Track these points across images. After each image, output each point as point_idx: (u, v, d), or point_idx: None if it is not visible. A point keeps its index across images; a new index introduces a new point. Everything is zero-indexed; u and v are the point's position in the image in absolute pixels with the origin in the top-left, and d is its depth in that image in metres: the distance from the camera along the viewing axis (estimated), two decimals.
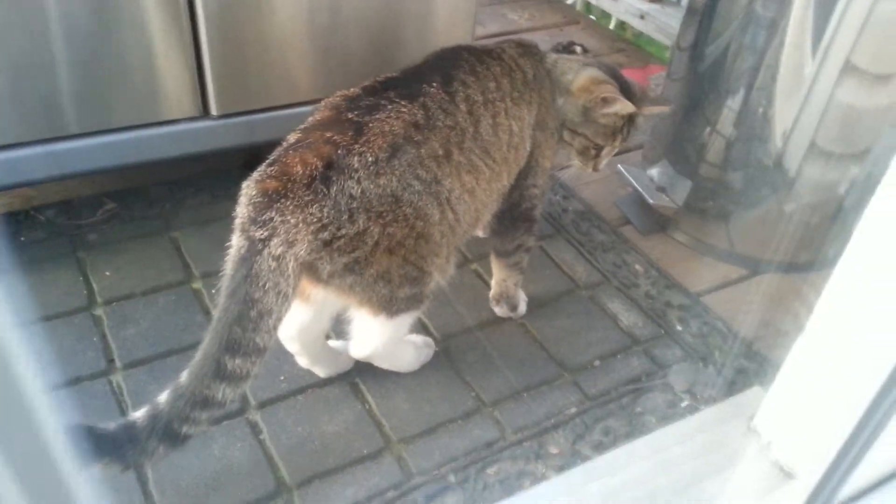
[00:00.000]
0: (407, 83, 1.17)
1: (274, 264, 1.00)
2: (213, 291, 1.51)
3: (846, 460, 0.62)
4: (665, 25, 2.46)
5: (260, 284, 1.00)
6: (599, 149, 1.42)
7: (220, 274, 1.52)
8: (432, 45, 1.71)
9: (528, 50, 1.37)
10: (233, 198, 1.77)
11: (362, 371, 1.37)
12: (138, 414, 1.01)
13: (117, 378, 1.33)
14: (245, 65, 1.55)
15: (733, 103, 1.70)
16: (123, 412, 1.27)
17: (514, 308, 1.49)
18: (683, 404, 1.36)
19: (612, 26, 2.77)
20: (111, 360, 1.36)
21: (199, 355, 1.03)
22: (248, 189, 1.05)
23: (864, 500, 0.94)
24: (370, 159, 1.04)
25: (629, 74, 2.42)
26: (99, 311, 1.45)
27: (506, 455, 1.25)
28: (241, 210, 1.05)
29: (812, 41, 1.54)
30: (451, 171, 1.14)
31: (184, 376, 1.02)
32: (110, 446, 0.97)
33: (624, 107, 1.35)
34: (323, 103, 1.15)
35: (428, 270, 1.16)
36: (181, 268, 1.57)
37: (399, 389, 1.35)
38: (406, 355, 1.36)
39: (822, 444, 1.10)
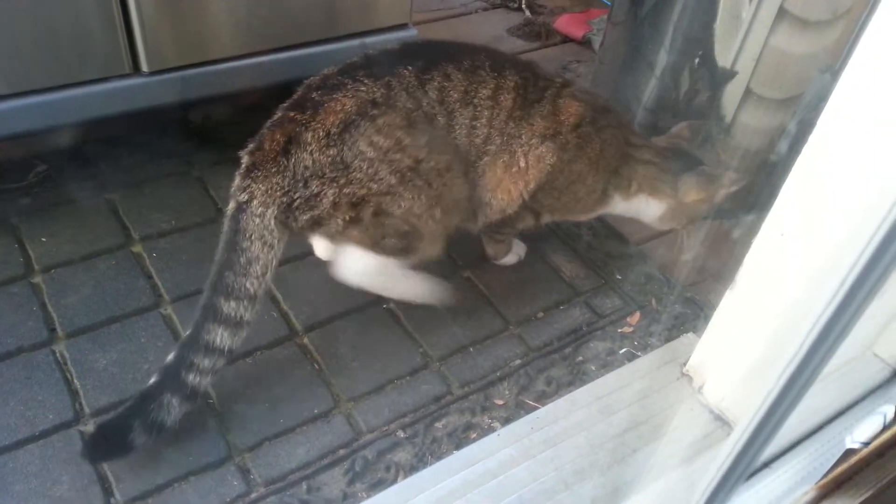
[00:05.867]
0: (387, 62, 1.24)
1: (258, 220, 1.17)
2: (154, 255, 1.50)
3: (777, 407, 0.67)
4: None
5: (247, 235, 1.17)
6: None
7: (160, 236, 1.51)
8: None
9: (596, 111, 1.35)
10: (170, 156, 1.74)
11: (310, 330, 1.39)
12: (150, 381, 1.16)
13: (60, 347, 1.32)
14: (175, 19, 1.49)
15: (673, 48, 1.72)
16: (68, 382, 1.26)
17: (500, 258, 1.58)
18: (622, 351, 1.41)
19: None
20: (53, 330, 1.34)
21: (198, 308, 1.17)
22: (242, 159, 1.22)
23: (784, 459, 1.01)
24: (321, 134, 1.18)
25: (570, 18, 2.42)
26: (37, 279, 1.42)
27: (453, 409, 1.29)
28: (235, 177, 1.21)
29: None
30: (420, 143, 1.20)
31: (187, 330, 1.17)
32: (130, 425, 1.12)
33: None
34: (307, 81, 1.27)
35: (416, 228, 1.25)
36: (119, 231, 1.54)
37: (348, 348, 1.37)
38: (406, 286, 1.40)
39: (748, 389, 1.16)
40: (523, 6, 2.54)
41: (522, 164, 1.31)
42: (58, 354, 1.30)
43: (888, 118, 0.85)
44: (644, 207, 1.44)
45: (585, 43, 2.35)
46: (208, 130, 1.82)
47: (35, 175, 1.63)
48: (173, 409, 1.13)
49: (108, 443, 1.14)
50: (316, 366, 1.34)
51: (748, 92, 1.65)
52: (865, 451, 0.90)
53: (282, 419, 1.24)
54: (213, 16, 1.53)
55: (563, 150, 1.32)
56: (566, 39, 2.39)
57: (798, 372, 0.63)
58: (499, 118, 1.28)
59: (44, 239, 1.50)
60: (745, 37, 1.61)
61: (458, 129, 1.26)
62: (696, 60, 1.67)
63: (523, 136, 1.30)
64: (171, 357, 1.15)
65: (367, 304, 1.46)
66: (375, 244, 1.26)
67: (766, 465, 0.98)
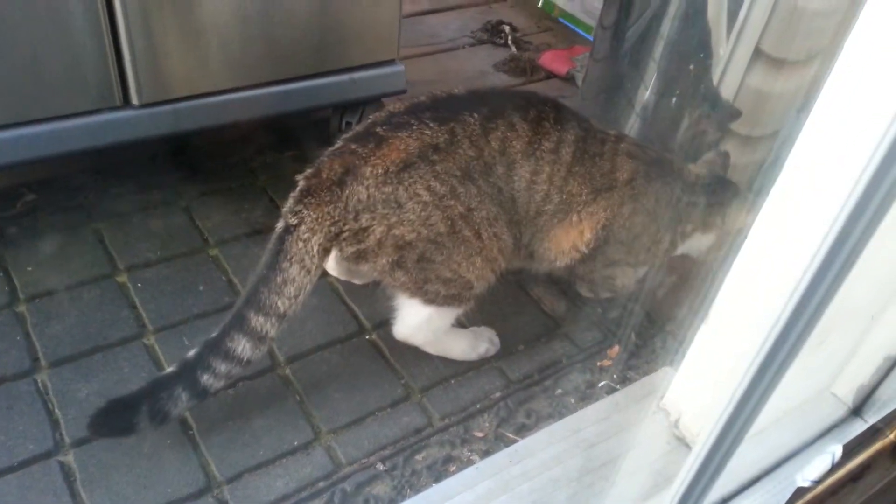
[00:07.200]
0: (453, 106, 1.27)
1: (301, 244, 1.20)
2: (139, 285, 1.51)
3: (726, 436, 0.69)
4: (592, 7, 2.49)
5: (288, 257, 1.20)
6: None
7: (145, 266, 1.53)
8: (358, 31, 1.73)
9: (648, 164, 1.39)
10: (158, 186, 1.77)
11: (292, 361, 1.40)
12: (168, 370, 1.20)
13: (42, 377, 1.32)
14: (166, 52, 1.52)
15: (652, 85, 1.76)
16: (49, 412, 1.26)
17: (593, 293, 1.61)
18: (601, 385, 1.43)
19: (539, 5, 2.79)
20: (36, 359, 1.35)
21: (229, 314, 1.21)
22: (298, 182, 1.26)
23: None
24: (380, 171, 1.20)
25: (554, 55, 2.47)
26: (21, 308, 1.43)
27: (433, 441, 1.30)
28: (289, 199, 1.25)
29: (726, 25, 1.60)
30: (473, 192, 1.23)
31: (213, 332, 1.20)
32: (139, 407, 1.15)
33: None
34: (372, 115, 1.31)
35: (461, 276, 1.27)
36: (105, 260, 1.55)
37: (329, 380, 1.38)
38: (459, 344, 1.44)
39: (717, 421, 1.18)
40: (509, 42, 2.59)
41: (576, 219, 1.34)
42: (40, 384, 1.31)
43: (854, 156, 0.89)
44: (696, 244, 1.50)
45: (569, 79, 2.40)
46: (196, 162, 1.85)
47: (23, 204, 1.65)
48: (181, 402, 1.16)
49: (114, 419, 1.16)
50: (297, 397, 1.35)
51: (727, 129, 1.69)
52: (819, 488, 0.91)
53: (262, 451, 1.25)
54: (204, 50, 1.56)
55: (619, 205, 1.36)
56: (550, 75, 2.44)
57: (744, 399, 0.65)
58: (559, 174, 1.30)
59: (29, 268, 1.51)
60: (723, 75, 1.65)
61: (518, 182, 1.28)
62: (674, 100, 1.71)
63: (581, 192, 1.33)
64: (192, 353, 1.19)
65: (350, 336, 1.47)
66: (419, 288, 1.28)
67: (725, 501, 0.99)
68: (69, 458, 1.21)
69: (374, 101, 1.88)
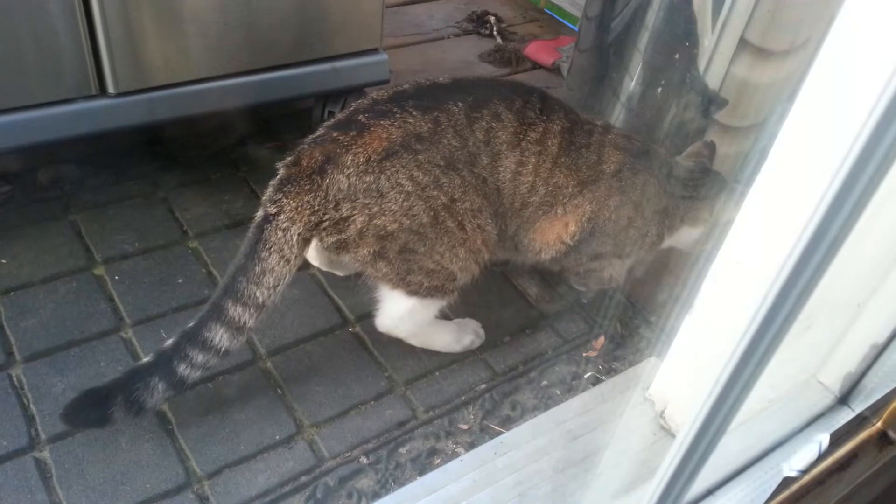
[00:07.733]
0: (437, 95, 1.25)
1: (280, 234, 1.18)
2: (116, 278, 1.48)
3: (711, 423, 0.68)
4: None
5: (267, 247, 1.18)
6: None
7: (123, 259, 1.50)
8: (341, 19, 1.70)
9: (635, 155, 1.37)
10: (136, 177, 1.73)
11: (274, 354, 1.38)
12: (144, 360, 1.18)
13: (17, 371, 1.29)
14: (143, 40, 1.49)
15: (637, 76, 1.75)
16: (24, 407, 1.23)
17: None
18: (586, 376, 1.42)
19: None
20: (10, 353, 1.32)
21: (207, 304, 1.19)
22: (278, 170, 1.23)
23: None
24: (362, 159, 1.17)
25: (540, 45, 2.45)
26: None
27: (417, 434, 1.29)
28: (269, 188, 1.23)
29: (711, 15, 1.59)
30: (457, 182, 1.21)
31: (191, 322, 1.18)
32: (114, 397, 1.13)
33: None
34: (355, 103, 1.27)
35: (445, 267, 1.25)
36: (82, 253, 1.52)
37: (311, 373, 1.36)
38: (443, 336, 1.42)
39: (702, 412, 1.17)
40: (495, 33, 2.57)
41: (561, 211, 1.32)
42: (14, 379, 1.28)
43: (837, 145, 0.88)
44: (684, 237, 1.49)
45: (555, 70, 2.38)
46: (174, 152, 1.82)
47: None
48: (157, 393, 1.14)
49: (88, 409, 1.14)
50: (279, 390, 1.32)
51: (712, 120, 1.68)
52: (806, 478, 0.91)
53: (242, 445, 1.23)
54: (182, 38, 1.53)
55: (606, 198, 1.34)
56: (536, 66, 2.43)
57: (728, 387, 0.64)
58: (544, 165, 1.28)
59: (4, 260, 1.48)
60: (708, 65, 1.64)
61: (503, 172, 1.26)
62: (659, 90, 1.70)
63: (567, 184, 1.31)
64: (168, 343, 1.17)
65: (333, 328, 1.45)
66: (402, 280, 1.26)
67: (710, 492, 0.98)
68: (45, 454, 1.18)
69: (357, 91, 1.86)
